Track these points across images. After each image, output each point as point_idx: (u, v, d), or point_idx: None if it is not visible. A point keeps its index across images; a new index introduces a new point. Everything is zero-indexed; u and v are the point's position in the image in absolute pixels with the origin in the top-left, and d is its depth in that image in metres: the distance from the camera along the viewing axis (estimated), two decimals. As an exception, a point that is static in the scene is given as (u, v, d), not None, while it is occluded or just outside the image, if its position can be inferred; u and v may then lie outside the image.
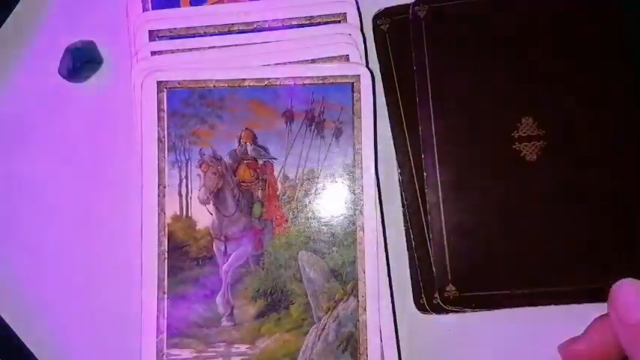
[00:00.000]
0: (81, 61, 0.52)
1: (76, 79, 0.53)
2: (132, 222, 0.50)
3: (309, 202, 0.50)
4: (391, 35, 0.52)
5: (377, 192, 0.50)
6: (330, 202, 0.50)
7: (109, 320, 0.52)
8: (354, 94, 0.50)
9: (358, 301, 0.49)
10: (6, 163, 0.54)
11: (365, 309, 0.49)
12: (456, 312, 0.50)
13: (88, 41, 0.53)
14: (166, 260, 0.49)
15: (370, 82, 0.50)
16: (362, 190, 0.50)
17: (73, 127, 0.53)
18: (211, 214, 0.50)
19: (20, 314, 0.52)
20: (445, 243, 0.50)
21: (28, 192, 0.53)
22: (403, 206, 0.51)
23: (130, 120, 0.51)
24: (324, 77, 0.50)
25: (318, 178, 0.50)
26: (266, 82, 0.50)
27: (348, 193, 0.50)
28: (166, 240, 0.50)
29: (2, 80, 0.54)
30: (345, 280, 0.49)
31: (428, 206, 0.50)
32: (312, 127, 0.50)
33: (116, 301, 0.52)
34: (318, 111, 0.50)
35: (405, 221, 0.51)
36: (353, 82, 0.50)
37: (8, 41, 0.54)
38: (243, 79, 0.50)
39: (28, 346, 0.52)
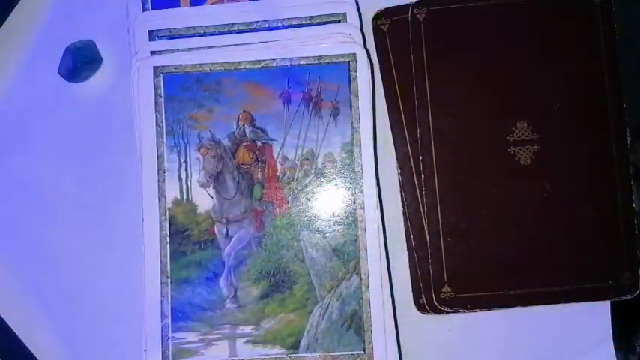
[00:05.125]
0: (81, 61, 0.52)
1: (76, 79, 0.53)
2: (132, 218, 0.51)
3: (309, 183, 0.50)
4: (391, 35, 0.52)
5: (376, 170, 0.50)
6: (330, 181, 0.50)
7: (113, 312, 0.52)
8: (351, 73, 0.50)
9: (361, 278, 0.49)
10: (6, 163, 0.54)
11: (368, 286, 0.49)
12: (453, 312, 0.50)
13: (88, 41, 0.53)
14: (168, 245, 0.50)
15: (367, 60, 0.50)
16: (361, 169, 0.50)
17: (73, 126, 0.53)
18: (212, 197, 0.50)
19: (21, 314, 0.53)
20: (442, 244, 0.50)
21: (28, 192, 0.53)
22: (403, 206, 0.52)
23: (130, 119, 0.51)
24: (320, 57, 0.50)
25: (317, 158, 0.50)
26: (262, 64, 0.50)
27: (347, 171, 0.50)
28: (168, 224, 0.50)
29: (2, 80, 0.54)
30: (347, 258, 0.49)
31: (426, 208, 0.51)
32: (310, 108, 0.50)
33: (119, 292, 0.52)
34: (315, 91, 0.50)
35: (405, 221, 0.52)
36: (349, 61, 0.50)
37: (8, 41, 0.54)
38: (239, 62, 0.50)
39: (28, 343, 0.52)
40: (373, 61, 0.52)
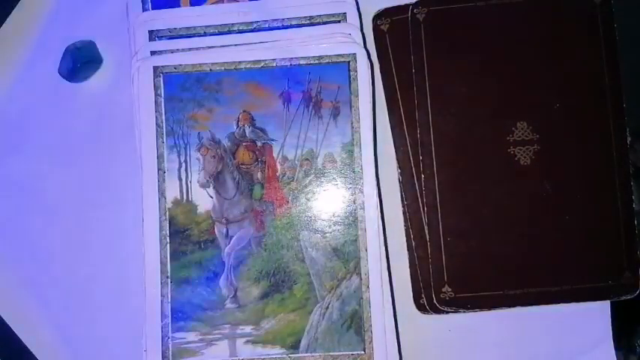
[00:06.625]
0: (81, 61, 0.52)
1: (76, 79, 0.53)
2: (132, 218, 0.51)
3: (309, 183, 0.50)
4: (391, 35, 0.52)
5: (376, 170, 0.50)
6: (330, 181, 0.50)
7: (113, 311, 0.52)
8: (351, 73, 0.50)
9: (361, 278, 0.49)
10: (6, 162, 0.54)
11: (368, 286, 0.49)
12: (453, 312, 0.50)
13: (88, 41, 0.53)
14: (168, 245, 0.50)
15: (367, 60, 0.50)
16: (361, 169, 0.50)
17: (73, 127, 0.53)
18: (212, 197, 0.50)
19: (21, 314, 0.53)
20: (442, 244, 0.50)
21: (28, 192, 0.53)
22: (403, 206, 0.52)
23: (130, 119, 0.51)
24: (320, 57, 0.50)
25: (317, 158, 0.50)
26: (262, 64, 0.50)
27: (347, 171, 0.50)
28: (167, 224, 0.50)
29: (2, 80, 0.54)
30: (347, 258, 0.49)
31: (426, 208, 0.51)
32: (310, 108, 0.50)
33: (119, 292, 0.52)
34: (315, 91, 0.50)
35: (405, 221, 0.52)
36: (349, 61, 0.50)
37: (8, 41, 0.54)
38: (239, 62, 0.50)
39: (28, 343, 0.52)
40: (373, 61, 0.52)
